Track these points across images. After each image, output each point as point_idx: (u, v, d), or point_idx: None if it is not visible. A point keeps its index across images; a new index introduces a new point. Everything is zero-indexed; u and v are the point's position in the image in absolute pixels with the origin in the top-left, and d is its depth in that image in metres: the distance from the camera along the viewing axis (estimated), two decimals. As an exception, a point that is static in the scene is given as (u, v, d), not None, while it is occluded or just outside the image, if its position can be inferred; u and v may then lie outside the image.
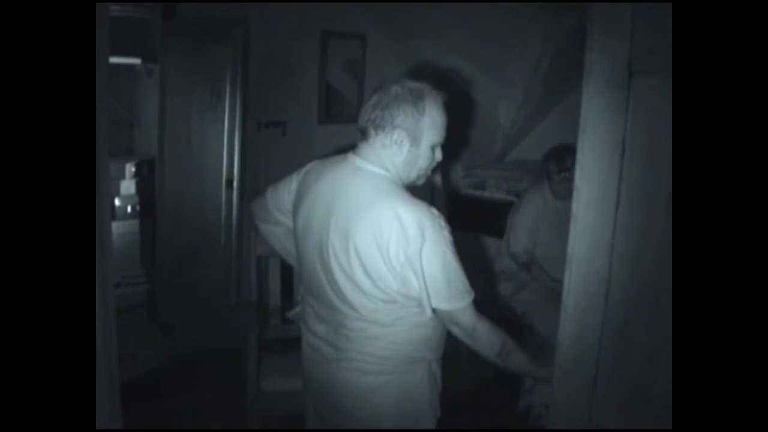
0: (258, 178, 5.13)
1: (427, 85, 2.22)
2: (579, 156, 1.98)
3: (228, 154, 4.92)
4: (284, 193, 2.47)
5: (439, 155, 2.28)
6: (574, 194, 2.00)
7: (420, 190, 2.30)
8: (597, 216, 1.92)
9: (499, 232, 4.68)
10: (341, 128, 5.40)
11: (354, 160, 2.25)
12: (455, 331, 2.25)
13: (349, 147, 2.33)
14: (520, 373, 2.48)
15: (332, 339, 2.32)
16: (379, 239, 2.09)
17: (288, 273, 3.74)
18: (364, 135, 2.25)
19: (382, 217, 2.09)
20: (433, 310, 2.17)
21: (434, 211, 2.13)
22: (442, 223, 2.13)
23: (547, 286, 4.17)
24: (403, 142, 2.19)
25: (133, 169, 5.23)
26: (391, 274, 2.12)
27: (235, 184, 4.94)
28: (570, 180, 2.18)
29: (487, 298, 4.84)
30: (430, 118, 2.18)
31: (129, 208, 5.21)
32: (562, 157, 4.10)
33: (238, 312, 4.46)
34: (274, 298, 3.87)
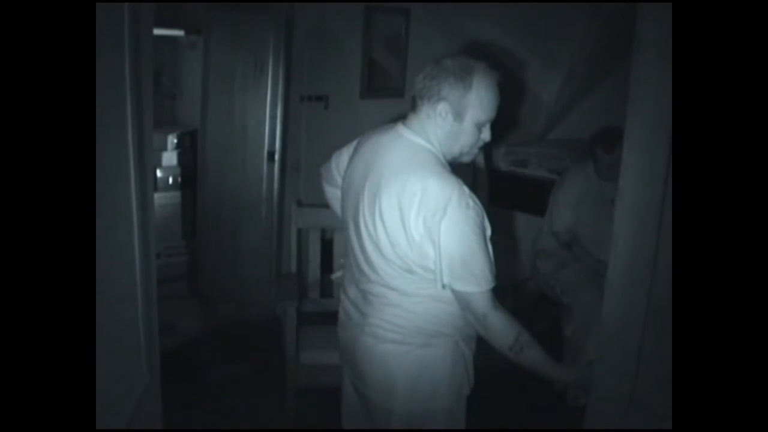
0: (299, 151, 5.14)
1: (481, 63, 2.18)
2: (627, 131, 1.94)
3: (270, 127, 4.91)
4: (344, 157, 2.51)
5: (486, 135, 2.25)
6: (622, 170, 1.97)
7: (461, 169, 2.28)
8: (645, 192, 1.88)
9: (540, 210, 4.63)
10: (383, 103, 5.39)
11: (399, 128, 2.25)
12: (467, 316, 2.21)
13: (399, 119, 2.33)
14: (534, 372, 2.33)
15: (359, 303, 2.35)
16: (402, 206, 2.09)
17: (327, 246, 3.75)
18: (413, 104, 2.25)
19: (408, 185, 2.09)
20: (444, 287, 2.15)
21: (466, 189, 2.10)
22: (471, 202, 2.09)
23: (589, 265, 4.13)
24: (447, 115, 2.16)
25: (175, 141, 5.28)
26: (409, 243, 2.11)
27: (276, 157, 4.93)
28: (617, 163, 2.13)
29: (528, 276, 4.84)
30: (476, 95, 2.15)
31: (170, 180, 5.27)
32: (610, 141, 4.04)
33: (277, 285, 4.49)
34: (314, 271, 3.88)
